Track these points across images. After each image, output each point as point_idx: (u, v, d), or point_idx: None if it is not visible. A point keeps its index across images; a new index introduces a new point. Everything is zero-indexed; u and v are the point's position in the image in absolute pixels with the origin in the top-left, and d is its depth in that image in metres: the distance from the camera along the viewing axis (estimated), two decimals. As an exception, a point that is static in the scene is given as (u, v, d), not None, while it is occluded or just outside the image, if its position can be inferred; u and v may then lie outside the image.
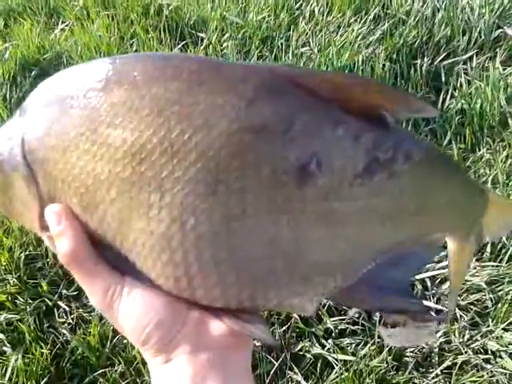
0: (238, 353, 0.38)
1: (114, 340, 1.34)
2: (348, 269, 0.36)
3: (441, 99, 2.00)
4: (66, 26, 2.45)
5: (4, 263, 1.52)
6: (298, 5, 2.50)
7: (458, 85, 2.06)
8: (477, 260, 1.54)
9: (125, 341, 1.35)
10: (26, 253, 1.55)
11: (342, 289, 0.37)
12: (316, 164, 0.34)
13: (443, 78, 2.08)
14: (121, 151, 0.35)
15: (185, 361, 0.37)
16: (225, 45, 2.24)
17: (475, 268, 1.52)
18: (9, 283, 1.48)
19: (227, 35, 2.29)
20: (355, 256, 0.36)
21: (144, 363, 1.30)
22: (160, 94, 0.34)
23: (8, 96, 2.04)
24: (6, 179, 0.40)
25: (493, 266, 1.52)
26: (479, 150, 1.84)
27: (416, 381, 1.29)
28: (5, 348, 1.34)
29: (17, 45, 2.30)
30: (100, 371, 1.29)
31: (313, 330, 1.35)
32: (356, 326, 1.35)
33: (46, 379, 1.27)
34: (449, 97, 2.01)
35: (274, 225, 0.35)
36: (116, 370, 1.30)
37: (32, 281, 1.50)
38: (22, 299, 1.45)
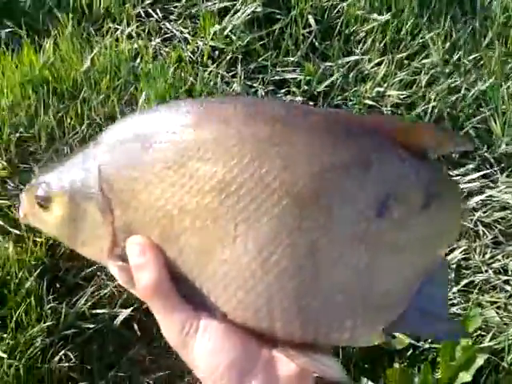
0: None
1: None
2: (407, 295, 0.39)
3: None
4: None
5: (-8, 144, 1.38)
6: None
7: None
8: (507, 176, 1.43)
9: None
10: (18, 134, 1.41)
11: (399, 316, 0.39)
12: (393, 198, 0.38)
13: (489, -32, 1.84)
14: (209, 184, 0.37)
15: None
16: None
17: (504, 184, 1.41)
18: (-2, 166, 1.36)
19: None
20: (413, 282, 0.40)
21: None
22: (250, 134, 0.37)
23: None
24: (77, 208, 0.40)
25: (524, 182, 1.41)
26: (521, 55, 1.66)
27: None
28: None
29: None
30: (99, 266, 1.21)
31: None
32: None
33: (39, 270, 1.19)
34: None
35: (355, 255, 0.37)
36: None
37: (23, 165, 1.37)
38: (12, 184, 1.33)
